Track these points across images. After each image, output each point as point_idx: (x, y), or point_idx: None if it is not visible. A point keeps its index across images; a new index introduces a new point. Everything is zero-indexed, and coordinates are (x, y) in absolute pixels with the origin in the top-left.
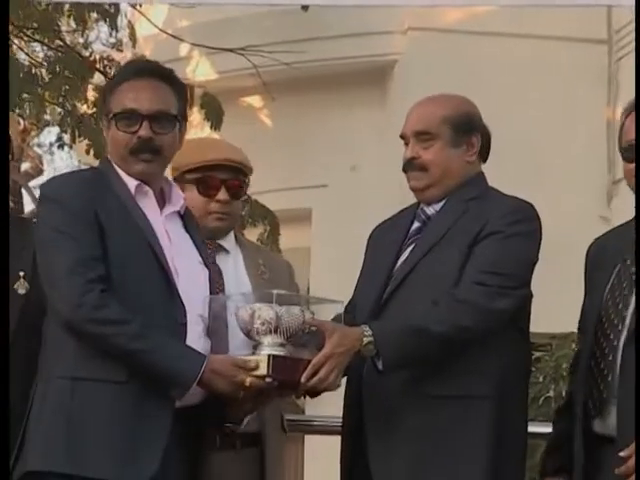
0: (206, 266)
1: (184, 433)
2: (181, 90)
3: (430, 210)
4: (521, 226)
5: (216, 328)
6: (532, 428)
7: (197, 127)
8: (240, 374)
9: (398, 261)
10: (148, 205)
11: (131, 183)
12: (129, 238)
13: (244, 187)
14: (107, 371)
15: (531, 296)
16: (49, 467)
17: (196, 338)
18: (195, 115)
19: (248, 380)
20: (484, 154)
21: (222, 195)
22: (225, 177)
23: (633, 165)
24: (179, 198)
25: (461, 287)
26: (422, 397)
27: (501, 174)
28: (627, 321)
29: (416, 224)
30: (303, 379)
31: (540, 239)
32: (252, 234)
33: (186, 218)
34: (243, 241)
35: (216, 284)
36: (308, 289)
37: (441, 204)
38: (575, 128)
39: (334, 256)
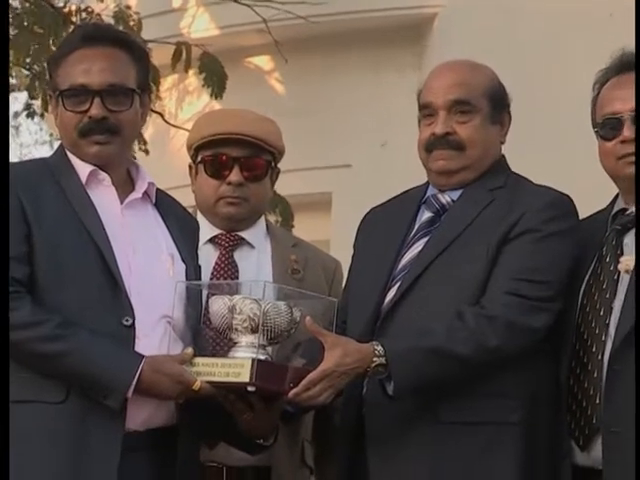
0: (183, 261)
1: (167, 466)
2: (141, 57)
3: (445, 198)
4: (559, 224)
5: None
6: None
7: (194, 94)
8: (186, 374)
9: (403, 258)
10: (104, 194)
11: (84, 170)
12: (67, 235)
13: (267, 168)
14: (42, 391)
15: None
16: None
17: (156, 343)
18: (191, 80)
19: (198, 383)
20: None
21: (234, 176)
22: (239, 155)
23: (610, 144)
24: (143, 182)
25: (490, 297)
26: (435, 423)
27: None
28: (610, 330)
29: (427, 214)
30: (291, 395)
31: (576, 238)
32: None
33: (162, 205)
34: (276, 233)
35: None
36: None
37: (459, 192)
38: None
39: None
